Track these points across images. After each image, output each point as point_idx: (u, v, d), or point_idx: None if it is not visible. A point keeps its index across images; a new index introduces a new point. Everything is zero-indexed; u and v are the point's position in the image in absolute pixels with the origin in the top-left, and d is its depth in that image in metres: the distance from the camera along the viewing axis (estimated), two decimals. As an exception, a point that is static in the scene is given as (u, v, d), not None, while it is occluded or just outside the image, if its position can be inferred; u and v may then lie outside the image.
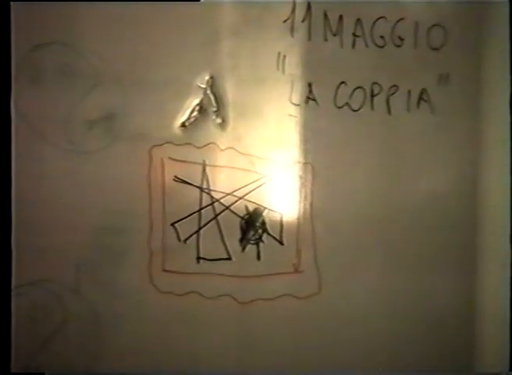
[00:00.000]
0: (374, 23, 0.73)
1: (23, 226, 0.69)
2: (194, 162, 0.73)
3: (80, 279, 0.70)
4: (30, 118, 0.68)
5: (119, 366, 0.71)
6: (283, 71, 0.73)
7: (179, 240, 0.73)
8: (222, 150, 0.73)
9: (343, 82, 0.74)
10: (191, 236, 0.73)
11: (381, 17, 0.74)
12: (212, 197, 0.73)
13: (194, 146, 0.72)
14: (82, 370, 0.72)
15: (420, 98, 0.75)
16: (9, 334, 0.70)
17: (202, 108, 0.72)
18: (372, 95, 0.74)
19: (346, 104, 0.74)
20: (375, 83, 0.74)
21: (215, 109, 0.72)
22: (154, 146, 0.72)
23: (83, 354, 0.70)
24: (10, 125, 0.70)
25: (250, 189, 0.74)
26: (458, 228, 0.76)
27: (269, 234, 0.74)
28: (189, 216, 0.73)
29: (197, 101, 0.72)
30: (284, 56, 0.72)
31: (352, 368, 0.73)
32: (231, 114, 0.73)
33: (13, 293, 0.68)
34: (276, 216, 0.74)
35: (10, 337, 0.71)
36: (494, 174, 0.76)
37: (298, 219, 0.74)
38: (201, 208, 0.73)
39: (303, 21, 0.72)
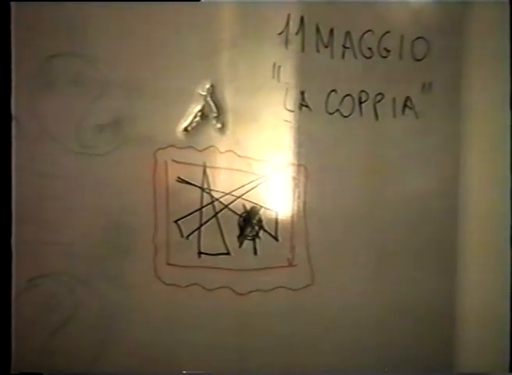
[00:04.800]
0: (362, 35, 0.77)
1: (37, 223, 0.72)
2: (196, 164, 0.76)
3: (90, 272, 0.74)
4: (44, 122, 0.72)
5: (126, 351, 0.74)
6: (278, 80, 0.76)
7: (181, 236, 0.76)
8: (221, 153, 0.76)
9: (333, 90, 0.77)
10: (193, 232, 0.76)
11: (369, 30, 0.77)
12: (212, 196, 0.77)
13: (196, 149, 0.76)
14: (82, 370, 0.75)
15: (405, 105, 0.79)
16: (9, 335, 0.73)
17: (203, 114, 0.75)
18: (361, 102, 0.78)
19: (337, 110, 0.78)
20: (363, 91, 0.78)
21: (215, 115, 0.76)
22: (159, 149, 0.75)
23: (93, 340, 0.73)
24: (10, 125, 0.72)
25: (248, 189, 0.77)
26: (440, 225, 0.80)
27: (265, 231, 0.78)
28: (191, 214, 0.76)
29: (198, 107, 0.75)
30: (279, 66, 0.76)
31: (341, 352, 0.78)
32: (230, 119, 0.76)
33: (29, 284, 0.72)
34: (272, 214, 0.78)
35: (10, 337, 0.73)
36: (473, 174, 0.80)
37: (292, 216, 0.78)
38: (202, 207, 0.77)
39: (296, 34, 0.76)
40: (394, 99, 0.79)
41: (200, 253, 0.76)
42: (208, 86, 0.75)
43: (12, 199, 0.72)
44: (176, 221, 0.76)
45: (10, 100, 0.72)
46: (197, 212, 0.76)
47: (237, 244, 0.77)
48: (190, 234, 0.76)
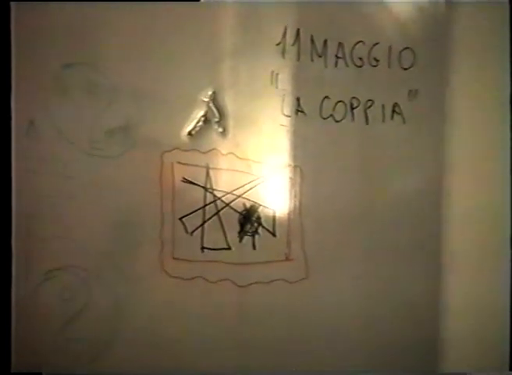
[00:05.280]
0: (353, 46, 0.82)
1: (53, 220, 0.76)
2: (199, 166, 0.80)
3: (101, 265, 0.78)
4: (59, 126, 0.76)
5: (135, 338, 0.79)
6: (276, 87, 0.81)
7: (186, 232, 0.80)
8: (223, 155, 0.81)
9: (327, 96, 0.82)
10: (197, 229, 0.80)
11: (359, 41, 0.82)
12: (215, 195, 0.81)
13: (199, 151, 0.80)
14: (81, 370, 0.78)
15: (393, 111, 0.83)
16: (9, 335, 0.76)
17: (206, 119, 0.80)
18: (352, 108, 0.83)
19: (330, 115, 0.82)
20: (354, 97, 0.83)
21: (217, 120, 0.80)
22: (165, 152, 0.79)
23: (104, 328, 0.78)
24: (10, 125, 0.75)
25: (247, 189, 0.82)
26: (425, 223, 0.84)
27: (264, 227, 0.82)
28: (194, 211, 0.80)
29: (201, 112, 0.79)
30: (277, 74, 0.81)
31: (332, 339, 0.83)
32: (231, 124, 0.80)
33: (46, 276, 0.76)
34: (270, 212, 0.82)
35: (10, 337, 0.76)
36: (457, 175, 0.85)
37: (289, 214, 0.82)
38: (205, 205, 0.81)
39: (293, 44, 0.81)
40: (383, 105, 0.83)
41: (203, 248, 0.81)
42: (210, 93, 0.80)
43: (21, 198, 0.77)
44: (180, 218, 0.80)
45: (10, 100, 0.75)
46: (201, 210, 0.81)
47: (238, 240, 0.82)
48: (193, 231, 0.80)
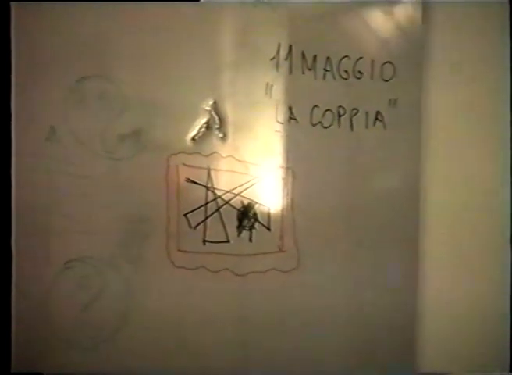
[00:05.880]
0: (340, 60, 0.89)
1: (71, 215, 0.84)
2: (202, 167, 0.87)
3: (114, 256, 0.85)
4: (76, 132, 0.84)
5: (144, 321, 0.86)
6: (271, 97, 0.88)
7: (190, 227, 0.87)
8: (223, 157, 0.88)
9: (316, 105, 0.89)
10: (199, 224, 0.87)
11: (345, 56, 0.89)
12: (215, 194, 0.87)
13: (202, 155, 0.87)
14: (81, 370, 0.85)
15: (375, 118, 0.90)
16: (9, 335, 0.81)
17: (208, 126, 0.86)
18: (339, 116, 0.89)
19: (319, 122, 0.89)
20: (340, 106, 0.89)
21: (217, 126, 0.87)
22: (171, 155, 0.86)
23: (117, 313, 0.86)
24: (10, 125, 0.82)
25: (245, 188, 0.88)
26: (404, 217, 0.91)
27: (259, 222, 0.89)
28: (197, 208, 0.87)
29: (204, 120, 0.86)
30: (271, 86, 0.88)
31: (320, 320, 0.90)
32: (230, 130, 0.87)
33: (64, 266, 0.84)
34: (265, 209, 0.89)
35: (10, 337, 0.81)
36: (432, 175, 0.93)
37: (282, 210, 0.89)
38: (207, 203, 0.87)
39: (286, 59, 0.88)
40: (366, 113, 0.90)
41: (205, 241, 0.87)
42: (211, 102, 0.87)
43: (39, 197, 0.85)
44: (185, 214, 0.87)
45: (10, 100, 0.82)
46: (203, 207, 0.87)
47: (236, 234, 0.88)
48: (197, 225, 0.87)
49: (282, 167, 0.90)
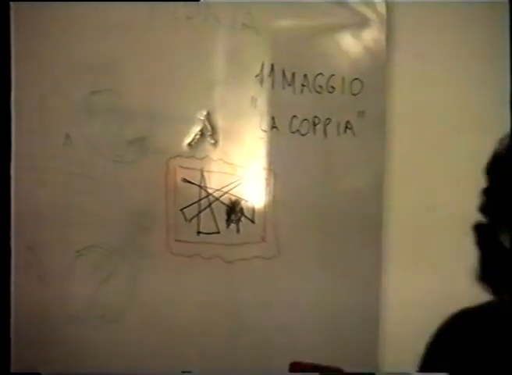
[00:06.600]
0: (315, 77, 1.03)
1: (85, 210, 0.96)
2: (196, 169, 1.00)
3: (121, 245, 0.98)
4: (90, 139, 0.97)
5: (147, 300, 0.98)
6: (255, 108, 1.01)
7: (185, 220, 1.00)
8: (214, 160, 1.01)
9: (295, 116, 1.03)
10: (194, 217, 1.00)
11: (320, 73, 1.03)
12: (207, 192, 1.01)
13: (196, 158, 1.00)
14: (80, 370, 0.93)
15: (346, 127, 1.05)
16: (9, 335, 0.87)
17: (202, 133, 1.00)
18: (314, 125, 1.03)
19: (297, 130, 1.03)
20: (315, 116, 1.03)
21: (210, 134, 1.00)
22: (170, 158, 0.99)
23: (124, 291, 0.98)
24: (10, 124, 0.91)
25: (233, 186, 1.01)
26: (370, 212, 1.06)
27: (245, 216, 1.02)
28: (192, 204, 1.00)
29: (198, 128, 1.00)
30: (256, 99, 1.01)
31: (295, 300, 1.03)
32: (221, 137, 1.01)
33: (78, 253, 0.96)
34: (250, 205, 1.02)
35: (10, 338, 0.88)
36: (395, 177, 1.07)
37: (264, 206, 1.03)
38: (200, 199, 1.00)
39: (269, 76, 1.02)
40: (338, 122, 1.05)
41: (199, 232, 1.01)
42: (205, 113, 1.00)
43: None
44: (181, 209, 1.00)
45: (10, 100, 0.91)
46: (197, 203, 1.01)
47: (225, 226, 1.01)
48: (191, 219, 1.00)
49: (265, 169, 1.03)
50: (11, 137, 0.95)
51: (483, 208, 0.62)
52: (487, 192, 0.62)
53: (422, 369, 0.65)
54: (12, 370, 0.94)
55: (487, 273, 0.63)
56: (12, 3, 0.93)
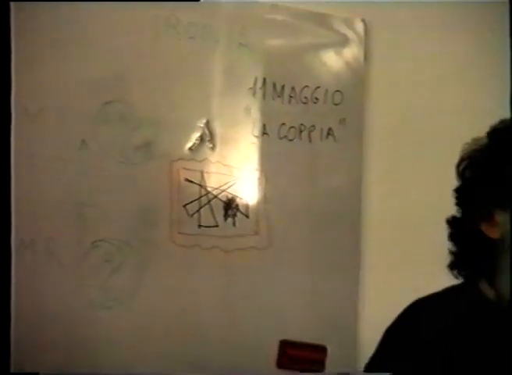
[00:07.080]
0: (302, 89, 1.17)
1: (97, 206, 1.07)
2: (196, 170, 1.12)
3: (130, 237, 1.09)
4: (102, 144, 1.08)
5: (154, 288, 1.09)
6: (249, 116, 1.14)
7: (188, 215, 1.12)
8: (212, 163, 1.13)
9: (283, 123, 1.16)
10: (195, 212, 1.12)
11: (306, 86, 1.16)
12: (207, 190, 1.13)
13: (196, 160, 1.12)
14: (80, 370, 1.02)
15: (328, 133, 1.18)
16: (9, 335, 0.89)
17: (201, 139, 1.12)
18: (300, 131, 1.17)
19: (285, 136, 1.16)
20: (301, 124, 1.17)
21: (208, 139, 1.13)
22: (173, 161, 1.11)
23: (134, 279, 1.09)
24: (10, 124, 0.98)
25: (229, 185, 1.14)
26: (349, 210, 1.20)
27: (240, 212, 1.15)
28: (193, 201, 1.12)
29: (198, 134, 1.12)
30: (249, 108, 1.14)
31: (284, 284, 1.16)
32: (218, 142, 1.13)
33: (93, 245, 1.07)
34: (244, 202, 1.15)
35: (10, 338, 0.90)
36: (372, 179, 1.21)
37: (257, 203, 1.16)
38: (201, 197, 1.13)
39: (260, 88, 1.15)
40: (321, 129, 1.18)
41: (199, 226, 1.13)
42: (204, 120, 1.13)
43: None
44: (184, 205, 1.12)
45: (10, 100, 0.98)
46: (197, 200, 1.13)
47: (223, 220, 1.14)
48: (193, 214, 1.13)
49: (258, 170, 1.16)
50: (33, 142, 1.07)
51: (457, 204, 0.66)
52: (459, 191, 0.66)
53: (377, 355, 0.68)
54: (12, 370, 0.97)
55: (459, 262, 0.67)
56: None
